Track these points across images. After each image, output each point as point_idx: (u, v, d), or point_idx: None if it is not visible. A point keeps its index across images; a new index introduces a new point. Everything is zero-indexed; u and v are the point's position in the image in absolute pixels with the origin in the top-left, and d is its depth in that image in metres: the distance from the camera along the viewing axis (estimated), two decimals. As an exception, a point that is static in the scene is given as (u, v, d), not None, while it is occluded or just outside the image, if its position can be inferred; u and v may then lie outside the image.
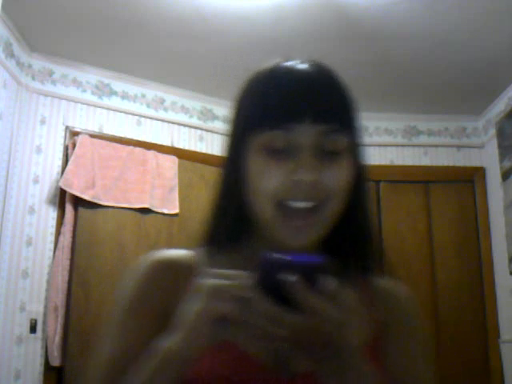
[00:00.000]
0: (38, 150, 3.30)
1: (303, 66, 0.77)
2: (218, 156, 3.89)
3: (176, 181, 3.59)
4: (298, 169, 0.73)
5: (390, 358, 0.79)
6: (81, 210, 3.24)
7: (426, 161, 4.09)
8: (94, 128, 3.50)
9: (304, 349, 0.63)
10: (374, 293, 0.83)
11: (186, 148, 3.79)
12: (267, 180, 0.74)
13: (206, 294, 0.61)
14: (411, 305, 0.86)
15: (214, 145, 3.92)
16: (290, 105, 0.73)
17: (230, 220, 0.82)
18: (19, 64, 3.25)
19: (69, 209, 3.21)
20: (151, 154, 3.55)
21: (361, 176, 0.81)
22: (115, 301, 0.82)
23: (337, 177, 0.75)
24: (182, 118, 3.83)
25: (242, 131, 0.78)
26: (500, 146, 3.71)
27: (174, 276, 0.80)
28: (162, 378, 0.64)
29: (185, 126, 3.84)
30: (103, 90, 3.58)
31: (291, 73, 0.77)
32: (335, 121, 0.74)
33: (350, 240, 0.82)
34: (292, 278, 0.60)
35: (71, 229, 3.20)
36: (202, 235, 0.85)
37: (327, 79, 0.77)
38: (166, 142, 3.73)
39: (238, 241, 0.83)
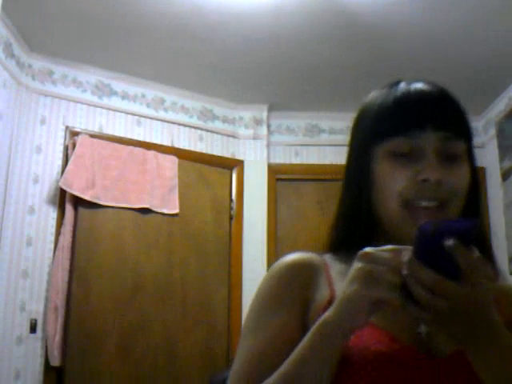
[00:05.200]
0: (38, 149, 3.30)
1: (420, 83, 0.89)
2: (217, 156, 3.89)
3: (176, 181, 3.59)
4: (423, 169, 0.82)
5: None
6: (81, 210, 3.24)
7: (426, 161, 4.08)
8: (94, 128, 3.50)
9: (449, 328, 0.68)
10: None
11: (186, 148, 3.79)
12: (395, 182, 0.83)
13: (363, 279, 0.69)
14: None
15: (214, 145, 3.92)
16: (413, 114, 0.85)
17: (359, 224, 0.89)
18: (19, 64, 3.24)
19: (69, 209, 3.21)
20: (151, 154, 3.55)
21: (476, 178, 0.89)
22: (254, 300, 0.89)
23: (458, 177, 0.84)
24: (182, 118, 3.83)
25: (367, 140, 0.88)
26: (500, 146, 3.70)
27: (308, 273, 0.88)
28: (323, 349, 0.73)
29: (185, 126, 3.84)
30: (103, 90, 3.58)
31: (411, 88, 0.88)
32: (453, 128, 0.85)
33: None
34: (451, 242, 0.62)
35: (71, 229, 3.20)
36: (328, 241, 0.93)
37: (443, 93, 0.89)
38: (166, 142, 3.73)
39: (366, 244, 0.87)
